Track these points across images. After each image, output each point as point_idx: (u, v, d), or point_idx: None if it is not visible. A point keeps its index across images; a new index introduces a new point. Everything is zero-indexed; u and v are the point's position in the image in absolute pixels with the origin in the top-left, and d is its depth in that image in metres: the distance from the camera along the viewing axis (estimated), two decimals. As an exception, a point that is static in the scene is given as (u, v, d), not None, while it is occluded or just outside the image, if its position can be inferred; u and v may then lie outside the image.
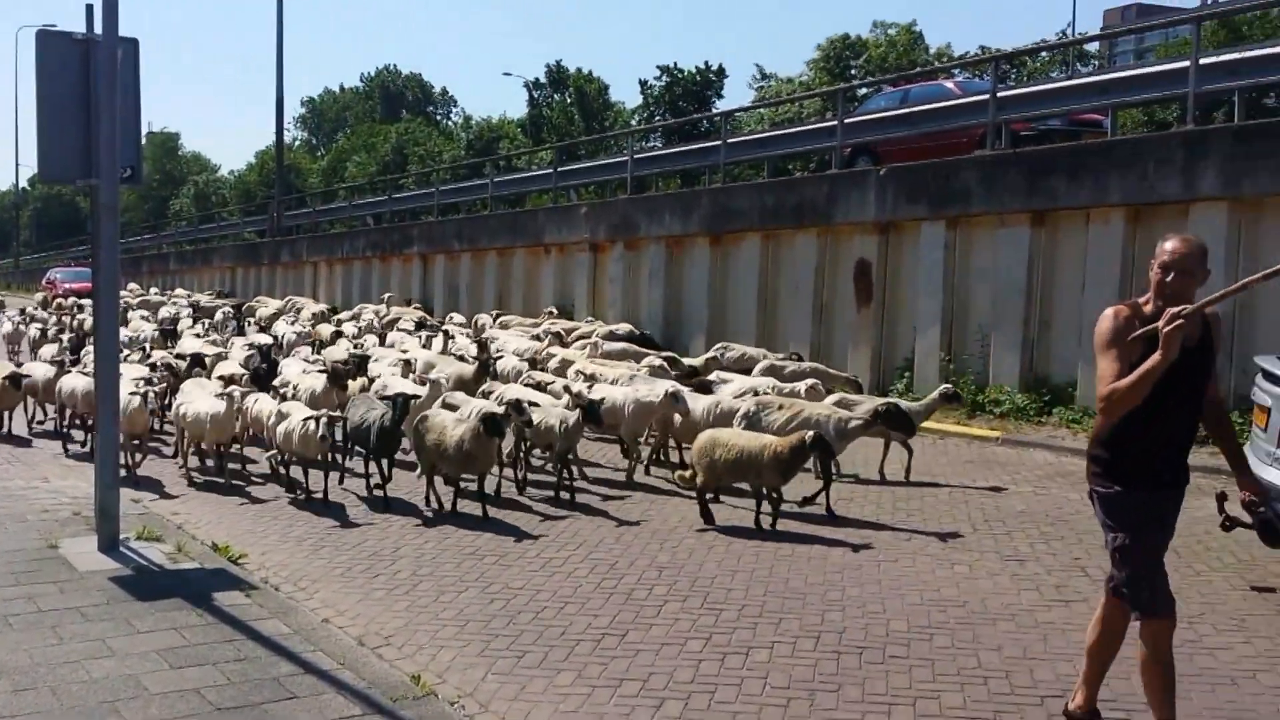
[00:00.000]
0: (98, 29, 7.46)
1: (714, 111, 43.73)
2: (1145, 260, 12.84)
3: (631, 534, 8.64)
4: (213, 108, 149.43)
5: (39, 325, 19.53)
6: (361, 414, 9.86)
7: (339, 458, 10.62)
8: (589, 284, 21.85)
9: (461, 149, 57.05)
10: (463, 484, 9.61)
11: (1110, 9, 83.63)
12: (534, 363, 13.79)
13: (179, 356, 13.92)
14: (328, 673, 5.44)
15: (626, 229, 20.77)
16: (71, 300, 26.85)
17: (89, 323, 16.12)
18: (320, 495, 9.67)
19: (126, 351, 14.43)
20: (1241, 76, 13.33)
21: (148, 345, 15.81)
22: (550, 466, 10.27)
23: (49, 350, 15.49)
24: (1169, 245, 4.41)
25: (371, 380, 12.08)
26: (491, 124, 61.28)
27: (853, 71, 46.57)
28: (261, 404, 10.50)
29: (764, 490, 8.78)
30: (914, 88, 20.08)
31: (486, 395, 11.07)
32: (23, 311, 24.43)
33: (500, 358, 13.28)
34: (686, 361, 14.22)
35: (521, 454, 10.45)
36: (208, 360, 13.61)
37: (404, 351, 15.04)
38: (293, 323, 20.49)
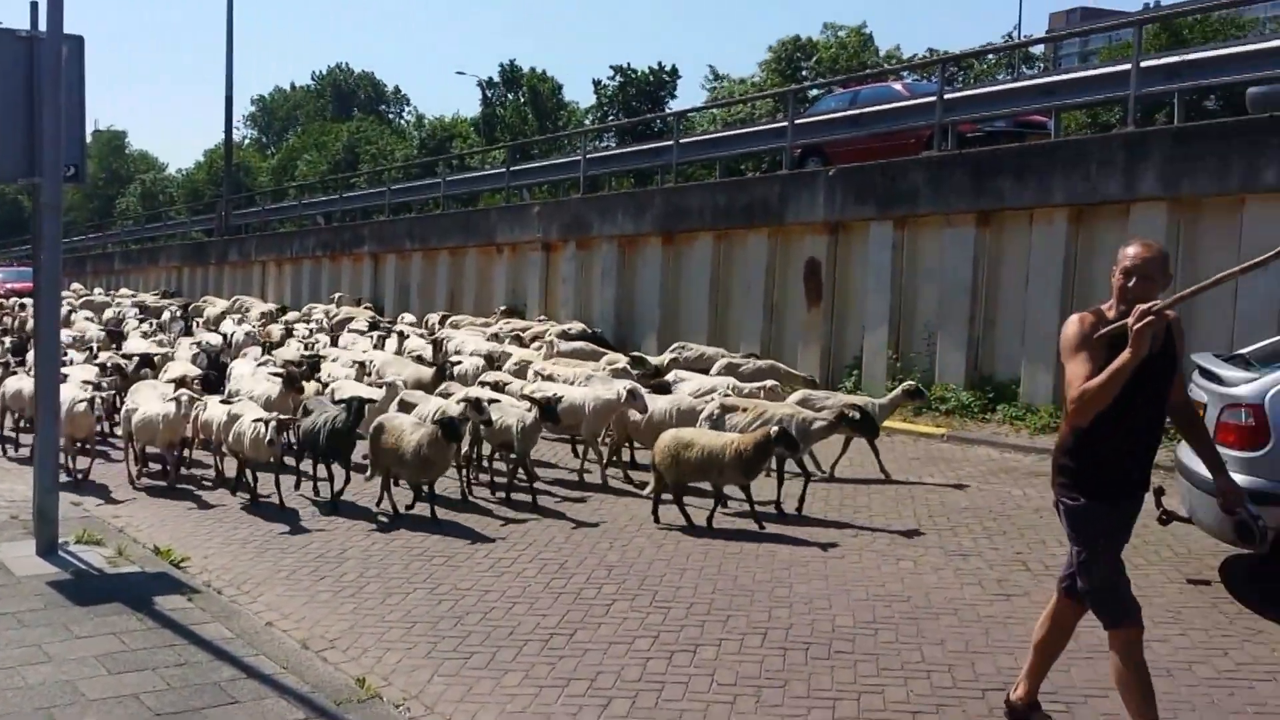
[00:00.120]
0: (42, 26, 7.32)
1: (667, 112, 43.81)
2: (1088, 259, 13.14)
3: (582, 534, 8.64)
4: (161, 106, 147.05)
5: (-22, 326, 19.16)
6: (312, 418, 9.72)
7: (295, 462, 10.40)
8: (541, 283, 21.81)
9: (414, 148, 56.68)
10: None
11: (1056, 12, 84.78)
12: (491, 361, 13.73)
13: (125, 357, 13.72)
14: (270, 677, 5.39)
15: (579, 228, 20.76)
16: (14, 300, 26.34)
17: (31, 323, 15.80)
18: (270, 498, 9.51)
19: (73, 353, 14.20)
20: (1181, 79, 13.57)
21: (95, 346, 15.54)
22: (505, 466, 10.22)
23: (-10, 351, 15.19)
24: (1131, 250, 4.42)
25: (325, 384, 11.94)
26: (444, 123, 60.92)
27: (804, 73, 46.82)
28: (212, 408, 10.28)
29: (722, 489, 8.82)
30: (863, 89, 20.25)
31: (446, 396, 10.98)
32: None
33: (459, 363, 13.05)
34: (653, 360, 14.19)
35: (475, 455, 10.40)
36: (156, 360, 13.40)
37: (364, 352, 14.93)
38: (240, 322, 20.24)
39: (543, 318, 19.87)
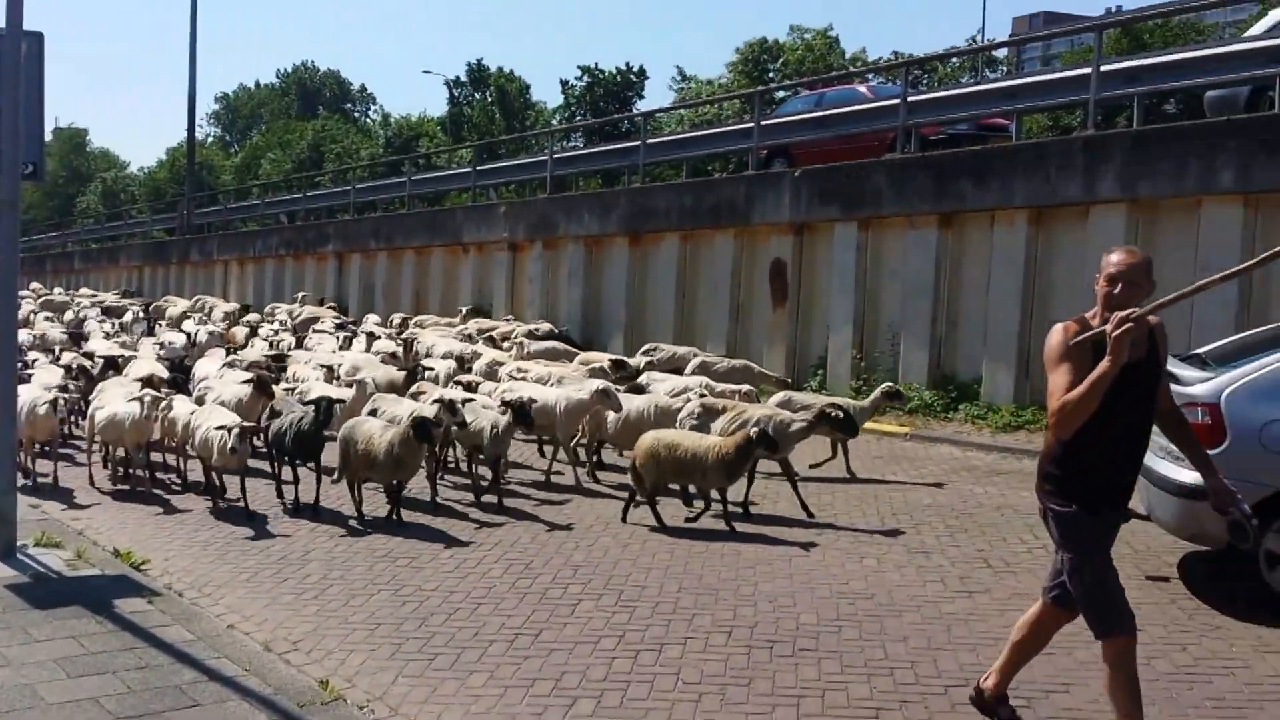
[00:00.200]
0: (0, 22, 7.24)
1: (634, 112, 43.81)
2: (1048, 261, 13.27)
3: (548, 534, 8.64)
4: (123, 103, 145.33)
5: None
6: (281, 418, 9.58)
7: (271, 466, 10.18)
8: (508, 283, 21.78)
9: (380, 147, 56.36)
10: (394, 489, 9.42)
11: (1019, 16, 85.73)
12: (461, 363, 13.61)
13: (87, 355, 13.53)
14: (232, 679, 5.35)
15: (545, 228, 20.74)
16: None
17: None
18: (237, 502, 9.32)
19: (35, 355, 14.01)
20: (1140, 83, 13.74)
21: (57, 348, 15.28)
22: (470, 468, 10.17)
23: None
24: (1115, 257, 4.37)
25: (292, 387, 11.82)
26: (410, 122, 60.60)
27: (770, 74, 46.98)
28: (178, 406, 10.12)
29: (709, 491, 8.83)
30: (828, 91, 20.36)
31: (416, 397, 10.90)
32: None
33: (430, 368, 12.89)
34: (633, 362, 14.10)
35: (441, 457, 10.33)
36: (120, 362, 13.18)
37: (332, 353, 14.81)
38: (203, 322, 20.05)
39: (509, 317, 19.84)
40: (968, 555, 7.96)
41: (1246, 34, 15.38)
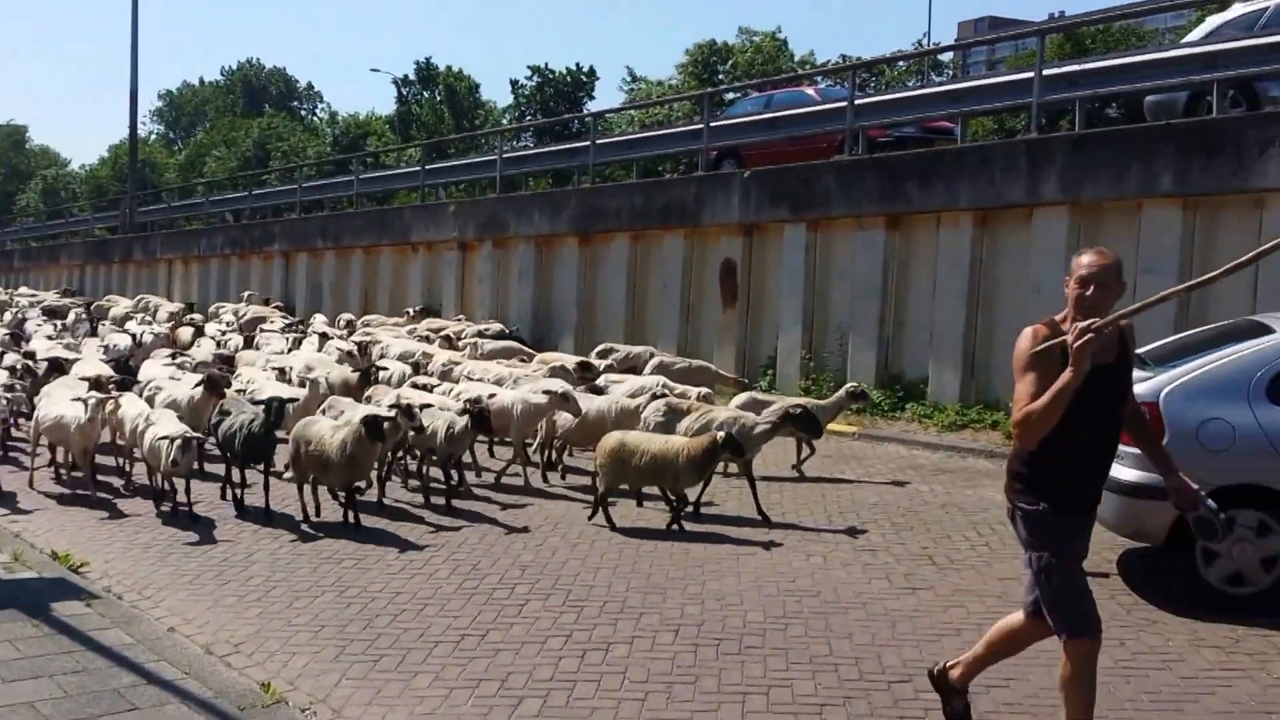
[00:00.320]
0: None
1: (584, 112, 43.79)
2: (992, 262, 13.43)
3: (496, 534, 8.60)
4: (64, 100, 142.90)
5: None
6: (230, 420, 9.38)
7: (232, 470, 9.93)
8: (457, 283, 21.68)
9: (327, 145, 55.87)
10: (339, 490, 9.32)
11: (964, 21, 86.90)
12: (417, 366, 13.39)
13: (29, 356, 13.24)
14: (172, 683, 5.28)
15: (495, 228, 20.67)
16: None
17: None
18: (184, 506, 9.13)
19: None
20: (1081, 87, 13.95)
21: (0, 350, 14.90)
22: (421, 469, 10.08)
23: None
24: (1085, 259, 4.30)
25: (242, 389, 11.63)
26: (358, 120, 60.16)
27: (720, 76, 47.16)
28: (128, 409, 9.86)
29: (681, 492, 8.81)
30: (777, 93, 20.49)
31: (371, 400, 10.73)
32: None
33: (385, 368, 12.69)
34: (599, 364, 13.98)
35: (395, 460, 10.20)
36: (65, 364, 12.88)
37: (282, 354, 14.60)
38: (146, 322, 19.70)
39: (461, 317, 19.74)
40: (913, 553, 8.03)
41: (1185, 40, 15.69)
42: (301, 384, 11.15)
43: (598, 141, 20.93)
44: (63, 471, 10.46)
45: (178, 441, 8.56)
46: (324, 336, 16.29)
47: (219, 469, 10.02)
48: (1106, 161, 11.97)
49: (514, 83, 51.90)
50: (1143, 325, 10.69)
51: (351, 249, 24.93)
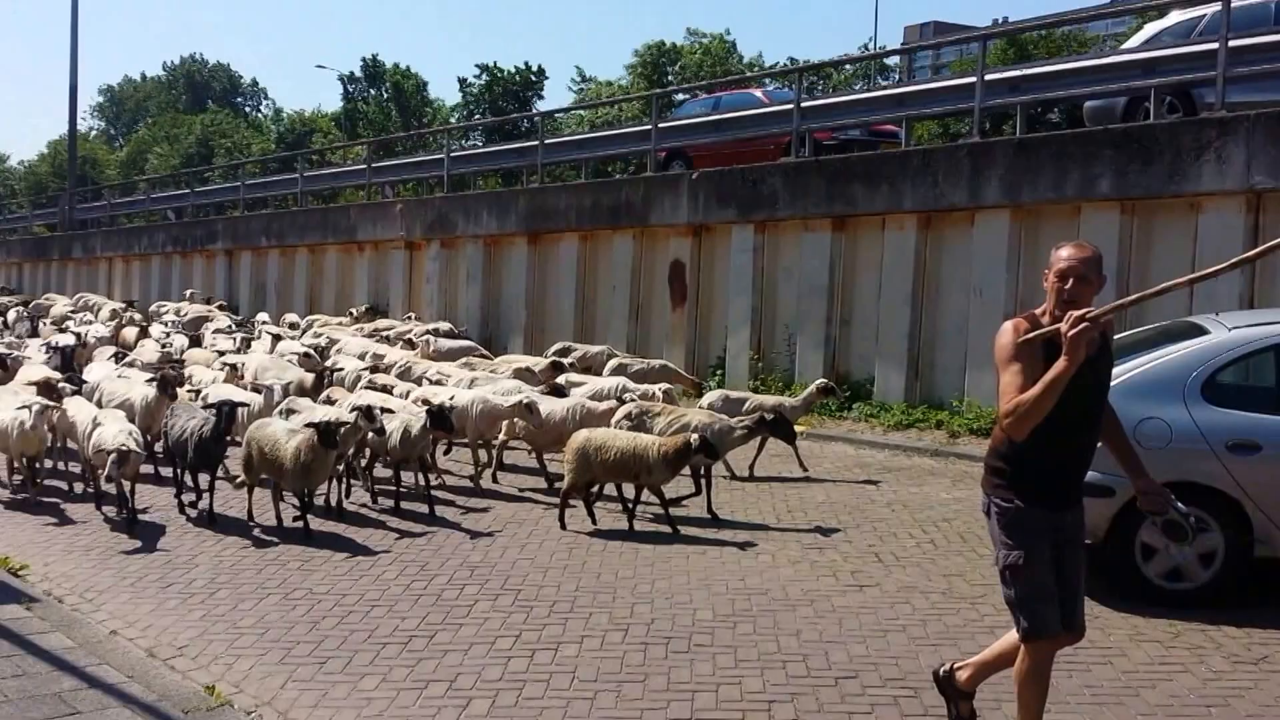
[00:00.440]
0: None
1: (533, 111, 43.69)
2: (936, 264, 13.60)
3: (444, 535, 8.56)
4: (1, 95, 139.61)
5: None
6: (181, 424, 9.16)
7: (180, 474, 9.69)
8: (405, 282, 21.55)
9: (272, 142, 55.26)
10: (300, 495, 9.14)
11: (910, 25, 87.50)
12: (374, 368, 13.18)
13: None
14: (114, 686, 5.20)
15: (443, 227, 20.57)
16: None
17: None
18: (130, 511, 8.84)
19: None
20: (1023, 92, 14.19)
21: None
22: (369, 470, 9.99)
23: None
24: (1065, 252, 4.24)
25: (196, 390, 11.44)
26: (304, 117, 59.63)
27: (669, 77, 47.32)
28: (78, 413, 9.60)
29: (659, 489, 8.79)
30: (725, 95, 20.62)
31: (331, 401, 10.58)
32: None
33: (339, 371, 12.51)
34: (565, 361, 13.88)
35: (355, 463, 10.04)
36: (10, 363, 12.57)
37: (233, 354, 14.37)
38: (90, 321, 19.34)
39: (410, 316, 19.62)
40: (860, 550, 8.12)
41: (1123, 46, 15.99)
42: (256, 390, 10.93)
43: (547, 141, 20.90)
44: (15, 478, 10.10)
45: (112, 456, 8.28)
46: (276, 338, 16.08)
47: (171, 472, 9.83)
48: (1047, 165, 12.18)
49: (462, 81, 51.75)
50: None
51: (296, 248, 24.69)
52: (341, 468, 9.61)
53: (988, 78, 13.82)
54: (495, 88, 50.73)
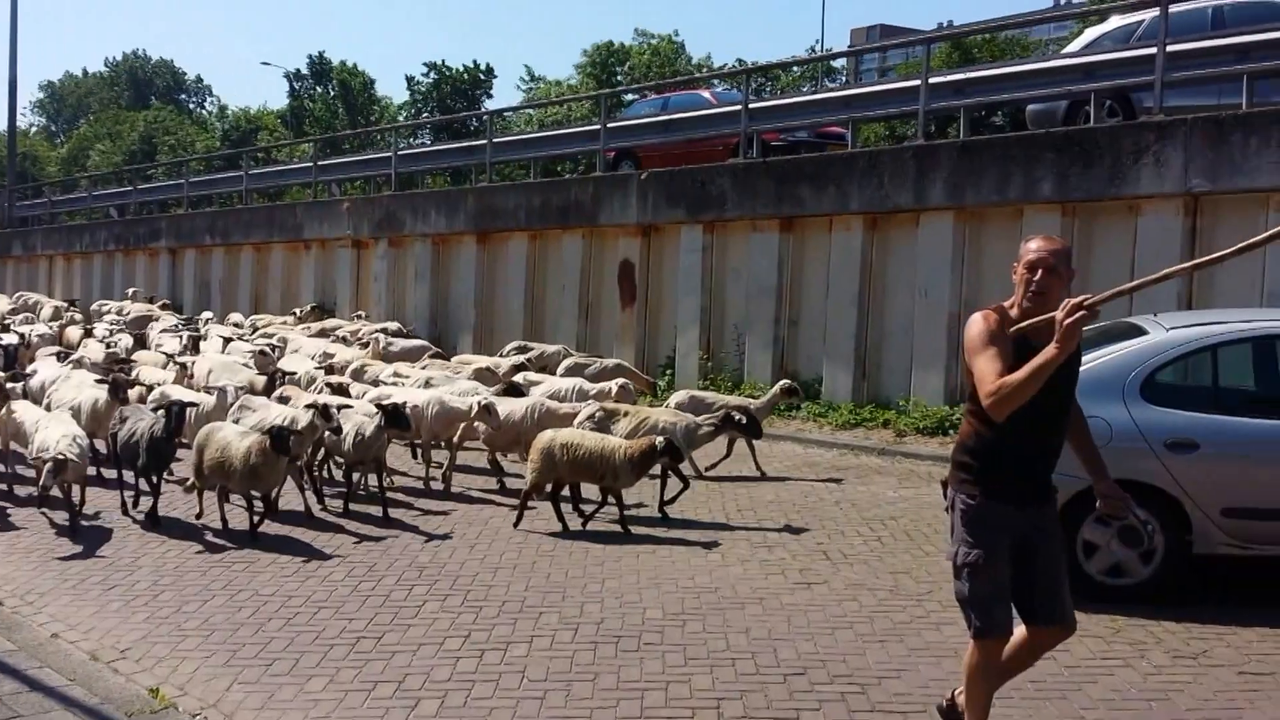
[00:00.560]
0: None
1: (481, 110, 43.50)
2: (882, 264, 13.73)
3: (393, 536, 8.51)
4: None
5: None
6: (130, 425, 8.98)
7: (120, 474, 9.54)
8: (352, 281, 21.38)
9: (216, 139, 54.54)
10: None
11: (857, 28, 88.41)
12: (330, 368, 12.94)
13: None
14: (56, 690, 5.13)
15: (391, 226, 20.42)
16: None
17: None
18: (75, 517, 8.71)
19: None
20: (966, 95, 14.38)
21: None
22: (320, 472, 9.88)
23: None
24: (1034, 244, 4.24)
25: (149, 388, 11.23)
26: (249, 114, 58.91)
27: (618, 77, 47.35)
28: (24, 415, 9.39)
29: (619, 491, 8.79)
30: (673, 96, 20.65)
31: (284, 400, 10.42)
32: None
33: (292, 374, 12.27)
34: (521, 358, 13.79)
35: (313, 465, 9.90)
36: None
37: (182, 352, 14.14)
38: (31, 320, 18.94)
39: (360, 314, 19.45)
40: (808, 549, 8.19)
41: (1064, 50, 16.27)
42: (208, 391, 10.74)
43: (495, 140, 20.82)
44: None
45: (48, 465, 8.13)
46: (227, 340, 15.84)
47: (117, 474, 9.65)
48: (990, 168, 12.36)
49: (410, 79, 51.44)
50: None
51: (241, 246, 24.39)
52: (306, 475, 9.50)
53: (932, 81, 13.98)
54: (443, 86, 50.45)
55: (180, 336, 16.19)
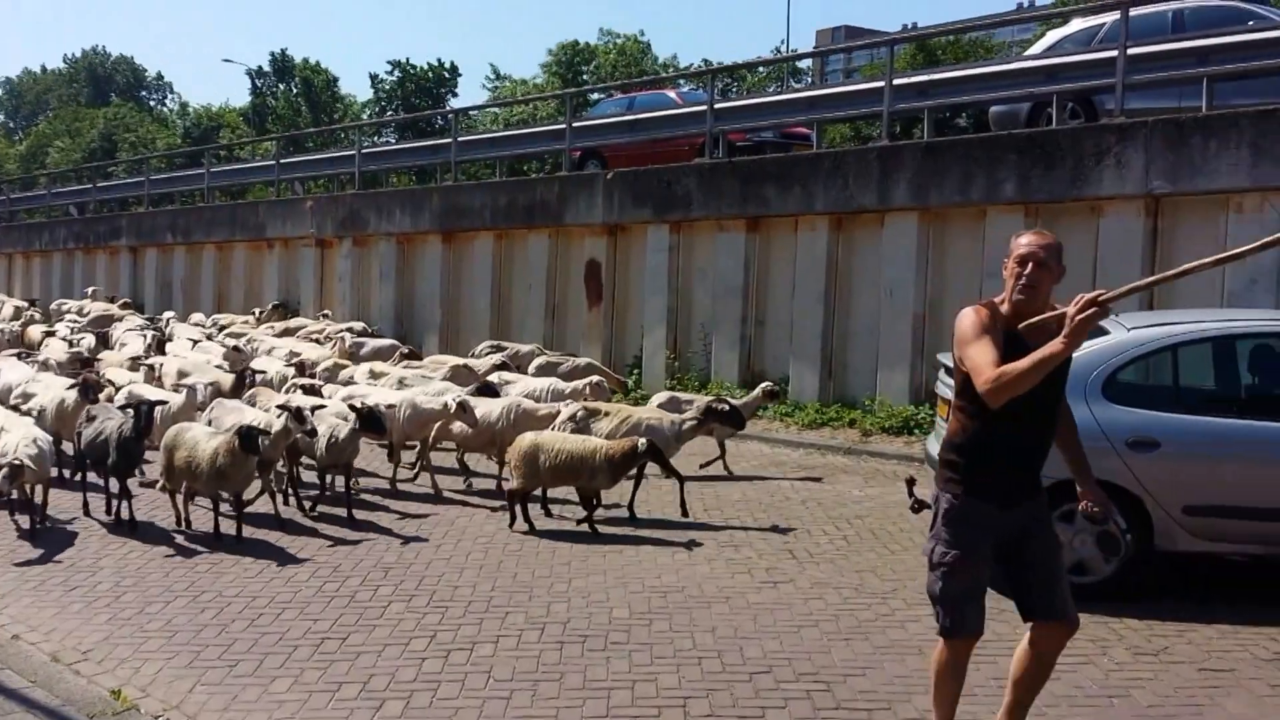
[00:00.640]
0: None
1: (446, 108, 43.33)
2: (847, 264, 13.78)
3: (358, 536, 8.46)
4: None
5: None
6: (97, 426, 8.84)
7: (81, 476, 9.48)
8: (316, 281, 21.22)
9: (178, 137, 54.00)
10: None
11: (822, 29, 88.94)
12: (301, 367, 12.79)
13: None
14: (17, 692, 5.07)
15: (355, 225, 20.29)
16: None
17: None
18: (35, 520, 8.57)
19: None
20: (930, 97, 14.47)
21: None
22: (291, 473, 9.80)
23: None
24: (1024, 239, 4.21)
25: (115, 389, 11.08)
26: (211, 112, 58.37)
27: (584, 77, 47.33)
28: None
29: (597, 493, 8.79)
30: (639, 96, 20.65)
31: (252, 403, 10.28)
32: None
33: (262, 373, 12.05)
34: (497, 357, 13.72)
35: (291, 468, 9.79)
36: None
37: (136, 359, 13.93)
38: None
39: (325, 313, 19.31)
40: (775, 547, 8.22)
41: (1027, 53, 16.41)
42: (177, 390, 10.60)
43: (460, 139, 20.74)
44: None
45: (3, 470, 7.98)
46: (195, 342, 15.65)
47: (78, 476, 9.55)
48: (953, 169, 12.44)
49: (374, 77, 51.11)
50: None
51: (203, 245, 24.16)
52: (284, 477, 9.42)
53: (897, 82, 14.06)
54: (408, 84, 50.19)
55: (144, 336, 15.99)
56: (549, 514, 8.95)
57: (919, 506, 7.75)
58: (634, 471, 9.07)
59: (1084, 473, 4.50)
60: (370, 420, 9.07)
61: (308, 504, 9.28)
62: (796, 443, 12.50)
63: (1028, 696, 4.56)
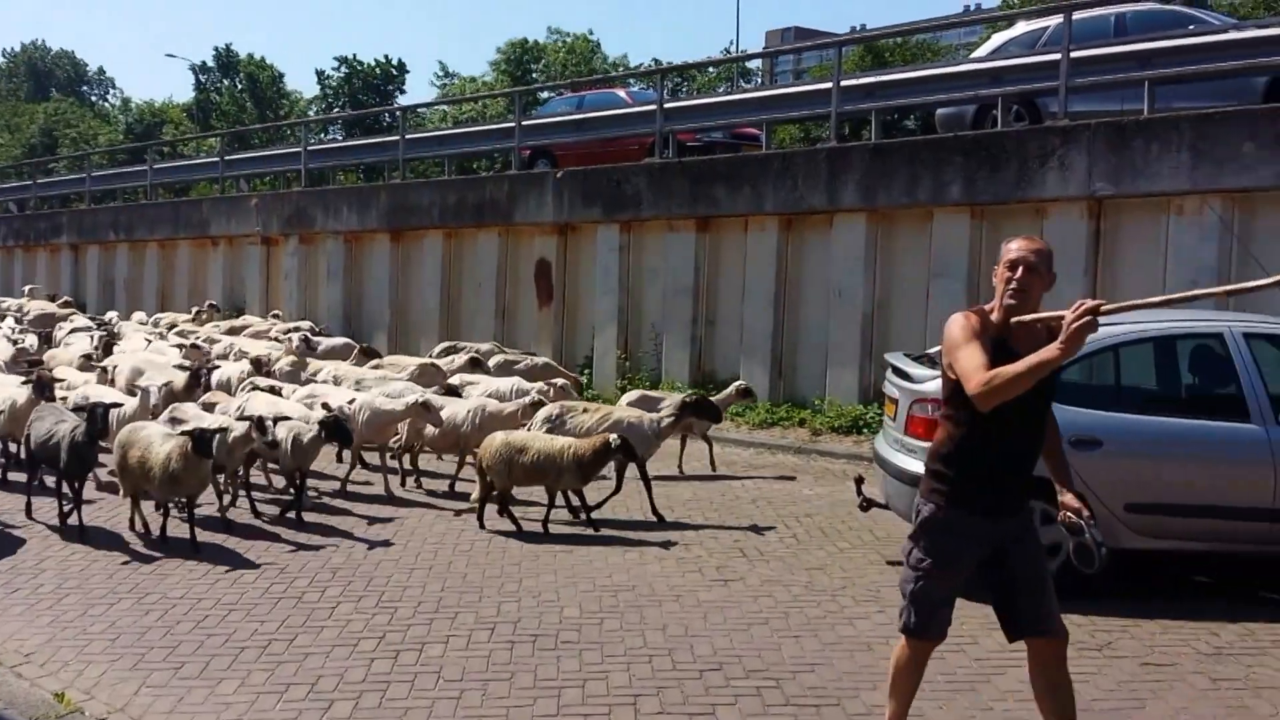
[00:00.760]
0: None
1: (394, 105, 42.99)
2: (797, 265, 13.86)
3: (305, 537, 8.38)
4: None
5: None
6: (49, 427, 8.56)
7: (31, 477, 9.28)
8: (262, 279, 20.97)
9: (120, 133, 53.10)
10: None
11: (772, 30, 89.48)
12: (259, 366, 12.40)
13: None
14: (-46, 698, 4.96)
15: (302, 222, 20.07)
16: None
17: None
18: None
19: None
20: (878, 98, 14.61)
21: None
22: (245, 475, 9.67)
23: None
24: (1015, 244, 4.20)
25: (65, 393, 10.80)
26: (154, 107, 57.44)
27: (533, 75, 47.21)
28: None
29: (559, 493, 8.74)
30: (589, 95, 20.64)
31: (210, 407, 10.05)
32: None
33: (218, 367, 11.90)
34: (462, 358, 13.61)
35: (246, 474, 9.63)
36: None
37: (88, 358, 13.63)
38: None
39: (277, 313, 19.07)
40: (725, 546, 8.26)
41: (972, 55, 16.61)
42: (131, 392, 10.39)
43: (409, 137, 20.59)
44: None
45: None
46: (149, 340, 15.37)
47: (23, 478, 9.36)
48: (901, 170, 12.57)
49: (320, 73, 50.49)
50: (935, 327, 11.32)
51: (147, 242, 23.79)
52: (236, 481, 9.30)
53: (844, 84, 14.15)
54: (355, 81, 49.64)
55: (92, 337, 15.67)
56: (501, 513, 8.91)
57: (867, 505, 7.89)
58: (605, 471, 9.02)
59: (1065, 480, 4.48)
60: (336, 430, 9.01)
61: (283, 511, 9.08)
62: (747, 442, 12.56)
63: (1065, 711, 4.44)
